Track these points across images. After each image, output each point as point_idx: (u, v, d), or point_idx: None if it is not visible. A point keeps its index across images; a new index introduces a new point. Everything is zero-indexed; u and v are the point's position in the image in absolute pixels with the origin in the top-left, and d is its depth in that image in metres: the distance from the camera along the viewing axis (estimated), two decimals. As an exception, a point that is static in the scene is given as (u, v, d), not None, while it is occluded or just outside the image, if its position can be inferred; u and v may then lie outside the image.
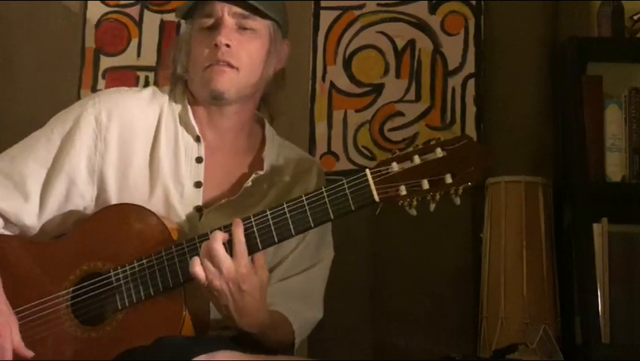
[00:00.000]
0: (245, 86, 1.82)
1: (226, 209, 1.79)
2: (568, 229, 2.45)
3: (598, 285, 2.31)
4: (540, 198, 2.37)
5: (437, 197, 1.62)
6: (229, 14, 1.80)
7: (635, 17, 2.50)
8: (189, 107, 1.85)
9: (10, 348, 1.68)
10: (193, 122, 1.84)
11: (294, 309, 1.80)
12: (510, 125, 2.55)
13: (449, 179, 1.60)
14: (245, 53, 1.80)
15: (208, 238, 1.65)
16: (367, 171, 1.64)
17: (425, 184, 1.61)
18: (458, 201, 1.62)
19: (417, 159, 1.62)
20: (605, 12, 2.51)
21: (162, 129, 1.83)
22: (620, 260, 2.34)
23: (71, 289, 1.73)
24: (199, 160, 1.83)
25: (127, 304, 1.69)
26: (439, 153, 1.62)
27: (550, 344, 2.27)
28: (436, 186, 1.61)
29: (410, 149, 1.64)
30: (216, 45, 1.78)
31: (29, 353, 1.70)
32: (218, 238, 1.63)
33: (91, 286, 1.71)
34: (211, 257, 1.62)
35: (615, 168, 2.42)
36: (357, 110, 2.60)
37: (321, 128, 2.59)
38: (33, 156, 1.82)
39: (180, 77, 1.88)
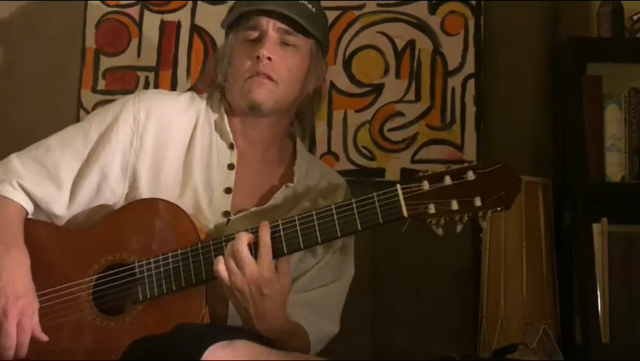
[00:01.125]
0: (283, 100, 1.85)
1: (253, 217, 1.81)
2: (568, 229, 2.45)
3: (598, 285, 2.31)
4: (540, 198, 2.37)
5: (465, 219, 1.64)
6: (273, 29, 1.83)
7: (635, 17, 2.50)
8: (225, 115, 1.88)
9: (29, 329, 1.71)
10: (228, 129, 1.87)
11: (312, 320, 1.81)
12: (510, 125, 2.55)
13: (478, 202, 1.63)
14: (285, 67, 1.83)
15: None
16: (398, 187, 1.66)
17: (454, 205, 1.63)
18: (485, 225, 1.65)
19: (448, 180, 1.64)
20: (605, 12, 2.51)
21: (197, 134, 1.86)
22: (620, 260, 2.34)
23: (95, 277, 1.75)
24: (230, 167, 1.85)
25: (148, 296, 1.71)
26: (470, 176, 1.64)
27: (550, 344, 2.27)
28: (465, 208, 1.63)
29: (443, 169, 1.66)
30: (258, 57, 1.81)
31: (44, 337, 1.72)
32: (244, 239, 1.64)
33: (114, 276, 1.74)
34: (236, 257, 1.63)
35: (615, 168, 2.42)
36: (357, 111, 2.60)
37: (321, 128, 2.59)
38: (69, 148, 1.85)
39: (219, 85, 1.91)
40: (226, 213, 1.82)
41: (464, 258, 2.50)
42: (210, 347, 1.49)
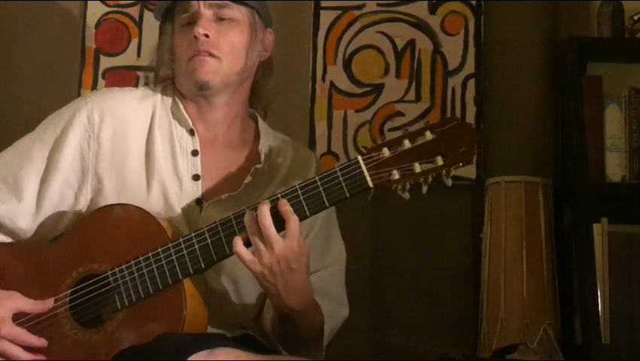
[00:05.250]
0: (229, 74, 1.84)
1: (226, 204, 1.79)
2: (568, 229, 2.45)
3: (598, 285, 2.30)
4: (540, 198, 2.37)
5: (430, 180, 1.63)
6: (205, 6, 1.83)
7: (635, 17, 2.50)
8: (179, 102, 1.87)
9: (17, 336, 1.69)
10: (185, 115, 1.86)
11: (319, 300, 1.80)
12: (510, 125, 2.55)
13: (440, 161, 1.62)
14: (225, 41, 1.83)
15: (204, 233, 1.66)
16: (360, 158, 1.65)
17: (417, 167, 1.62)
18: (449, 182, 1.63)
19: (407, 143, 1.64)
20: (605, 12, 2.51)
21: (156, 125, 1.85)
22: (620, 260, 2.34)
23: (69, 292, 1.72)
24: (194, 153, 1.84)
25: (127, 303, 1.68)
26: (428, 136, 1.63)
27: (550, 344, 2.27)
28: (428, 169, 1.63)
29: (400, 134, 1.66)
30: (195, 37, 1.81)
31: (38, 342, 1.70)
32: (268, 215, 1.61)
33: (89, 288, 1.71)
34: (263, 235, 1.61)
35: (615, 168, 2.42)
36: (357, 110, 2.60)
37: (321, 128, 2.59)
38: (27, 158, 1.83)
39: (167, 76, 1.91)
40: (198, 201, 1.81)
41: (464, 258, 2.50)
42: (191, 357, 1.47)
